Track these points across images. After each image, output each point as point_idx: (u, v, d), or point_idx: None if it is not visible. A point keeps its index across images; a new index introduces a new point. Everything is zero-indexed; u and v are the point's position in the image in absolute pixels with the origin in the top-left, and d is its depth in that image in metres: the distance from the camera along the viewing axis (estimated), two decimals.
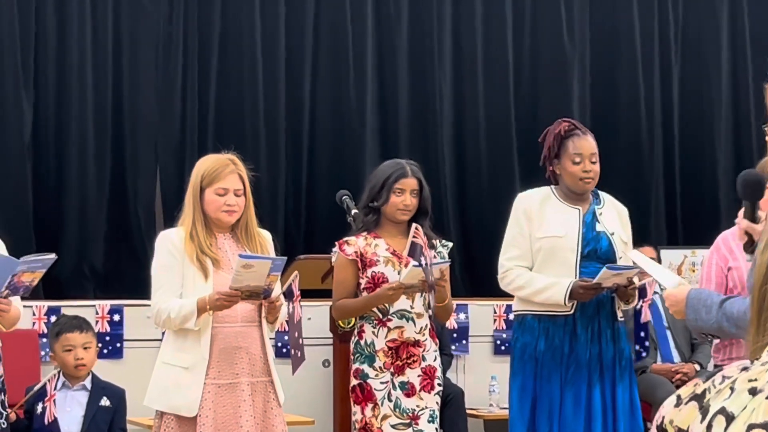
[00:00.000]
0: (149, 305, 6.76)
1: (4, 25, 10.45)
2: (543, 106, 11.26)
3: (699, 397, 2.28)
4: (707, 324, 5.29)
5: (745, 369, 2.29)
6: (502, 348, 10.04)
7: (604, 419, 6.99)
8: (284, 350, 7.36)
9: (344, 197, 7.75)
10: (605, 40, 11.84)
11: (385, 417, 7.00)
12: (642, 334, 7.05)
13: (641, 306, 7.04)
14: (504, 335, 10.07)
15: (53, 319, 8.75)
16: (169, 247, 6.68)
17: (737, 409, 2.24)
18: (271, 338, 6.97)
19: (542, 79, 11.66)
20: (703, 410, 2.27)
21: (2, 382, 6.46)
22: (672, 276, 5.62)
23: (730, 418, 2.23)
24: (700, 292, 5.36)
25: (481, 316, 10.68)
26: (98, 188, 10.68)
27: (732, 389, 2.27)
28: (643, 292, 7.02)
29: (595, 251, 7.02)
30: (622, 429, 6.99)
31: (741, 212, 5.75)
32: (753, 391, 2.25)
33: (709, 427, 2.24)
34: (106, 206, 10.70)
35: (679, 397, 2.31)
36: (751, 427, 2.22)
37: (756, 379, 2.26)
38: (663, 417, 2.29)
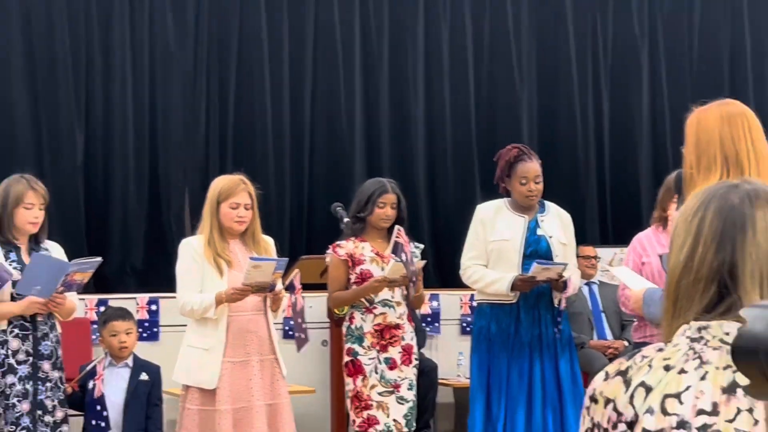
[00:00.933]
0: None
1: (61, 69, 10.45)
2: (499, 132, 11.23)
3: (623, 373, 2.24)
4: (655, 316, 5.31)
5: (660, 350, 2.26)
6: (467, 329, 9.99)
7: (544, 389, 7.03)
8: (290, 333, 7.38)
9: (338, 208, 7.78)
10: (548, 80, 11.83)
11: (373, 386, 7.06)
12: (558, 319, 7.07)
13: (561, 298, 7.03)
14: (469, 319, 10.04)
15: (102, 309, 8.70)
16: (191, 252, 6.75)
17: (654, 382, 2.21)
18: (278, 323, 6.98)
19: (498, 111, 11.65)
20: (627, 383, 2.22)
21: (61, 361, 6.46)
22: (640, 281, 5.64)
23: (648, 390, 2.19)
24: (653, 292, 5.39)
25: (450, 303, 10.68)
26: (138, 202, 10.68)
27: (650, 366, 2.23)
28: (564, 285, 6.99)
29: (536, 251, 7.02)
30: (567, 395, 7.02)
31: (673, 207, 5.83)
32: (667, 368, 2.22)
33: (632, 397, 2.20)
34: (144, 216, 10.71)
35: (607, 373, 2.26)
36: (665, 396, 2.17)
37: (669, 358, 2.23)
38: (594, 389, 2.25)
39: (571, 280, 7.18)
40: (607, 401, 2.22)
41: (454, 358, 10.32)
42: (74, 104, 10.49)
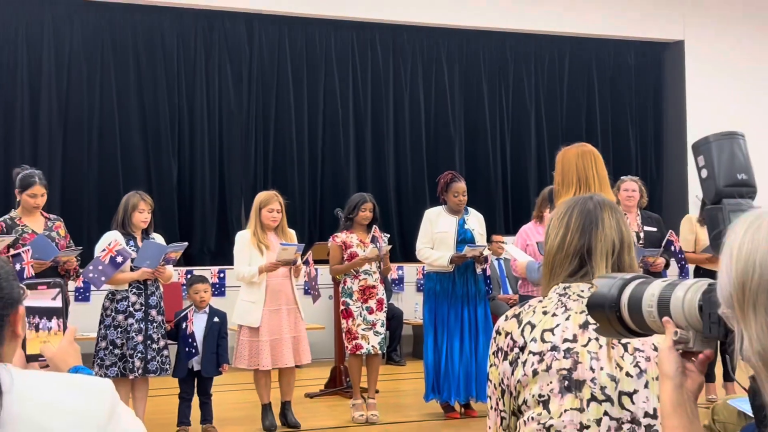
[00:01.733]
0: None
1: (162, 124, 10.43)
2: (440, 162, 11.23)
3: (517, 316, 2.25)
4: (535, 279, 5.31)
5: (540, 301, 2.25)
6: (421, 288, 9.98)
7: (471, 329, 7.02)
8: (308, 291, 7.38)
9: (337, 211, 7.79)
10: (471, 130, 11.84)
11: (358, 325, 7.03)
12: (488, 281, 7.06)
13: (485, 267, 7.02)
14: (422, 282, 9.99)
15: (188, 276, 8.66)
16: (243, 240, 6.77)
17: (536, 321, 2.21)
18: (299, 285, 6.97)
19: (440, 149, 11.66)
20: (519, 322, 2.23)
21: (163, 309, 6.44)
22: (524, 255, 5.64)
23: (533, 326, 2.20)
24: (532, 263, 5.39)
25: (410, 271, 10.69)
26: (211, 208, 10.65)
27: (534, 312, 2.24)
28: (485, 259, 6.99)
29: (464, 239, 7.00)
30: (482, 330, 7.01)
31: (546, 211, 5.86)
32: (545, 312, 2.23)
33: (522, 331, 2.20)
34: (216, 217, 10.67)
35: (507, 316, 2.27)
36: (543, 330, 2.17)
37: (546, 306, 2.24)
38: (499, 326, 2.26)
39: (489, 258, 7.24)
40: (507, 334, 2.22)
41: (412, 306, 10.35)
42: (171, 146, 10.47)
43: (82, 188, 10.14)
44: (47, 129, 10.02)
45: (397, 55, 11.48)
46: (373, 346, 7.00)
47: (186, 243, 6.88)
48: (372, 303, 7.04)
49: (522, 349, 2.18)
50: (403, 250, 10.93)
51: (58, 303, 1.89)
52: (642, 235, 6.89)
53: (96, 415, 1.51)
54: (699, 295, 1.48)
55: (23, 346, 1.85)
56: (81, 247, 6.45)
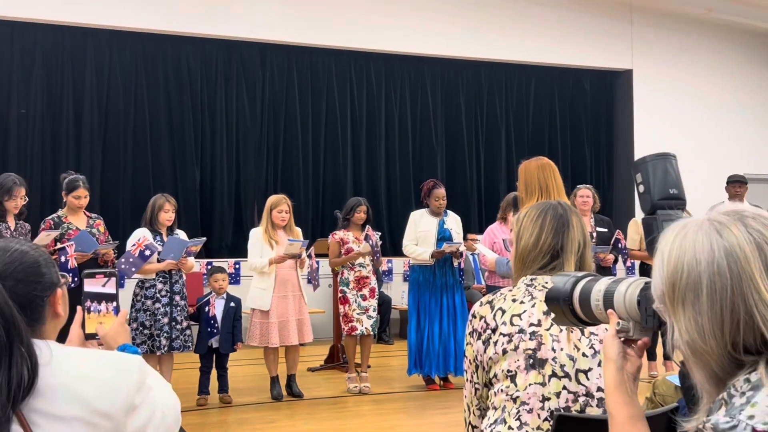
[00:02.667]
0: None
1: (187, 135, 10.38)
2: (424, 170, 11.20)
3: (490, 302, 2.26)
4: (503, 272, 5.31)
5: (510, 290, 2.26)
6: (407, 278, 10.01)
7: (449, 313, 7.01)
8: (310, 280, 7.37)
9: (336, 212, 7.77)
10: (451, 142, 11.80)
11: (354, 310, 7.00)
12: (461, 273, 7.07)
13: (460, 262, 7.02)
14: (408, 273, 10.04)
15: (209, 267, 8.65)
16: (256, 236, 6.74)
17: (507, 307, 2.22)
18: (304, 275, 6.95)
19: (424, 159, 11.63)
20: (492, 308, 2.24)
21: (185, 295, 6.43)
22: (492, 253, 5.65)
23: (503, 311, 2.21)
24: (501, 259, 5.39)
25: (398, 264, 10.68)
26: (229, 208, 10.59)
27: (504, 299, 2.24)
28: (461, 254, 6.98)
29: (444, 237, 6.99)
30: (459, 315, 7.01)
31: (510, 214, 5.86)
32: (514, 300, 2.23)
33: (494, 315, 2.21)
34: (233, 216, 10.62)
35: (481, 302, 2.28)
36: (512, 315, 2.18)
37: (515, 295, 2.24)
38: (474, 310, 2.27)
39: (465, 254, 7.23)
40: (481, 317, 2.23)
41: (400, 294, 10.35)
42: (194, 155, 10.41)
43: (118, 191, 10.11)
44: (89, 140, 10.00)
45: (389, 79, 11.48)
46: (366, 328, 7.00)
47: (205, 238, 6.87)
48: (365, 291, 7.04)
49: (494, 330, 2.19)
50: (392, 246, 10.92)
51: (109, 289, 1.92)
52: (595, 234, 6.97)
53: (125, 385, 1.52)
54: (637, 292, 1.51)
55: (82, 326, 1.87)
56: (117, 241, 6.45)
